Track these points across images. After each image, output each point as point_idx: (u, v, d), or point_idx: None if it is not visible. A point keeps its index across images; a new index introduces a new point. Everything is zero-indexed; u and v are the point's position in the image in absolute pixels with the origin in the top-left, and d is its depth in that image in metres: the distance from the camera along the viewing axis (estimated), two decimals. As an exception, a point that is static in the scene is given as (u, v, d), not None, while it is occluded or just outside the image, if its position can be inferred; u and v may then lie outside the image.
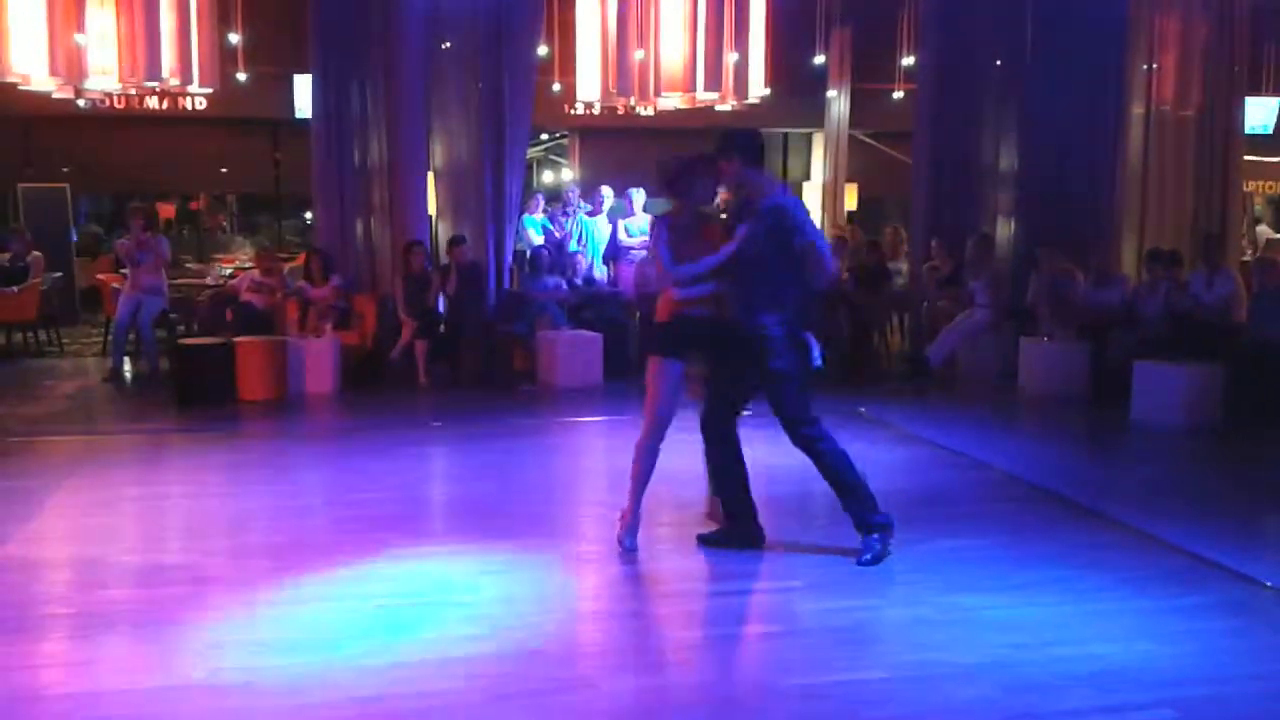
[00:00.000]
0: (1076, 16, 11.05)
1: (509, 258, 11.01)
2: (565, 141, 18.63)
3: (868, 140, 17.37)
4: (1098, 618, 4.57)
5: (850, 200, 16.63)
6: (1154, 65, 11.47)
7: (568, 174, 18.49)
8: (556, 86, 13.94)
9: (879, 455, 7.59)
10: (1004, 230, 11.68)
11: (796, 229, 5.11)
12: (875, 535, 5.25)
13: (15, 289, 11.71)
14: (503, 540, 5.55)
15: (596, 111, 13.90)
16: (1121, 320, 9.77)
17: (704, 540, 5.45)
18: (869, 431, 8.34)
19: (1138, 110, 11.50)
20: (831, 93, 16.21)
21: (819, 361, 5.27)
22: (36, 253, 12.03)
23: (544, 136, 19.16)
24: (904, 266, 12.45)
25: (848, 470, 5.31)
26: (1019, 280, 10.97)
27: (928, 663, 4.10)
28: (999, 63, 11.52)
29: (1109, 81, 11.07)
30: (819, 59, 14.96)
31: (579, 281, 11.20)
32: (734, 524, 5.44)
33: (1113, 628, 4.47)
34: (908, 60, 14.10)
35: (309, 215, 15.18)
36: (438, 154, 10.98)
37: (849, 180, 16.56)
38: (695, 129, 16.01)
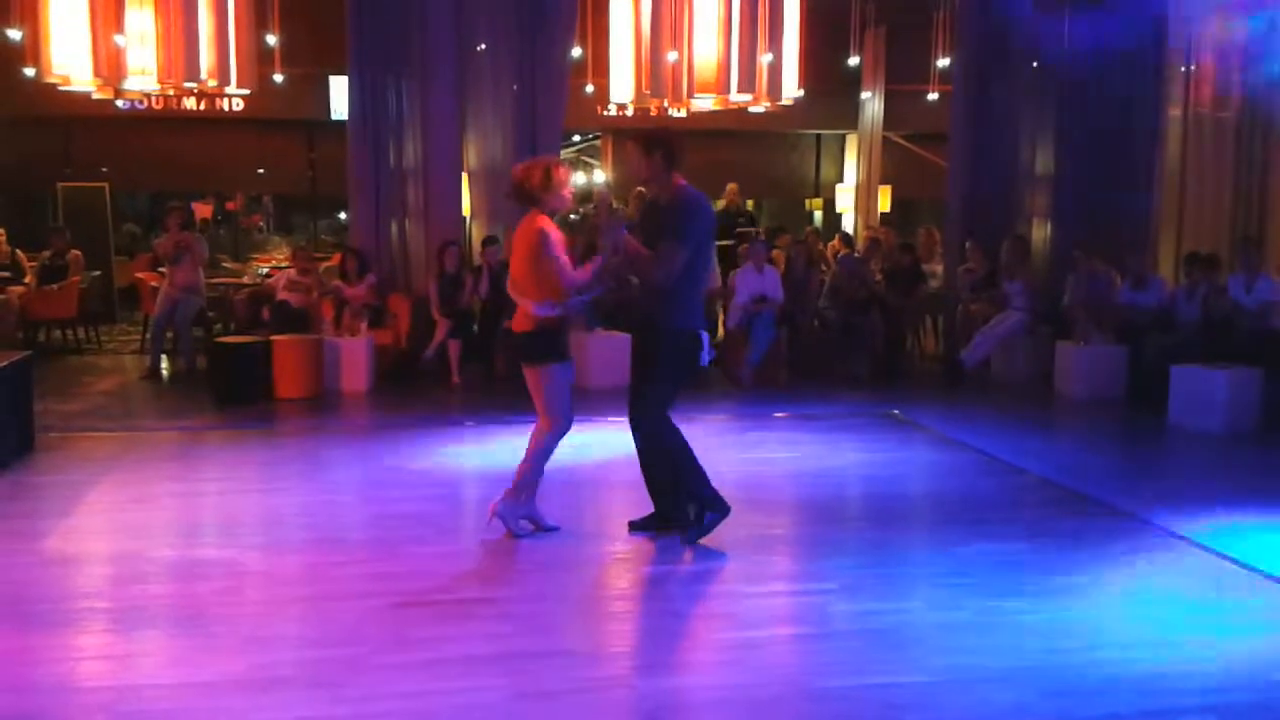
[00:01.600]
0: (1114, 17, 10.96)
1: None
2: (598, 143, 18.66)
3: (902, 142, 17.30)
4: (1138, 622, 4.53)
5: (884, 202, 16.58)
6: (1192, 67, 11.36)
7: (600, 175, 18.52)
8: (589, 88, 13.97)
9: (913, 458, 7.56)
10: (1040, 232, 11.61)
11: (666, 226, 5.26)
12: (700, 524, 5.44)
13: (56, 286, 11.87)
14: (534, 539, 5.56)
15: (629, 113, 13.90)
16: (1159, 323, 9.68)
17: (634, 526, 5.62)
18: (903, 434, 8.31)
19: (1175, 112, 11.39)
20: (865, 94, 16.17)
21: (706, 359, 5.47)
22: (76, 251, 12.18)
23: (576, 138, 19.19)
24: (938, 269, 12.38)
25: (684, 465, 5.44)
26: (1055, 283, 10.89)
27: (965, 666, 4.08)
28: (1035, 64, 11.45)
29: (1146, 82, 10.98)
30: (853, 60, 14.91)
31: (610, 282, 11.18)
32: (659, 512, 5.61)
33: (1153, 632, 4.42)
34: (942, 62, 14.04)
35: (344, 215, 15.28)
36: (472, 155, 11.02)
37: (883, 182, 16.53)
38: (728, 130, 16.14)
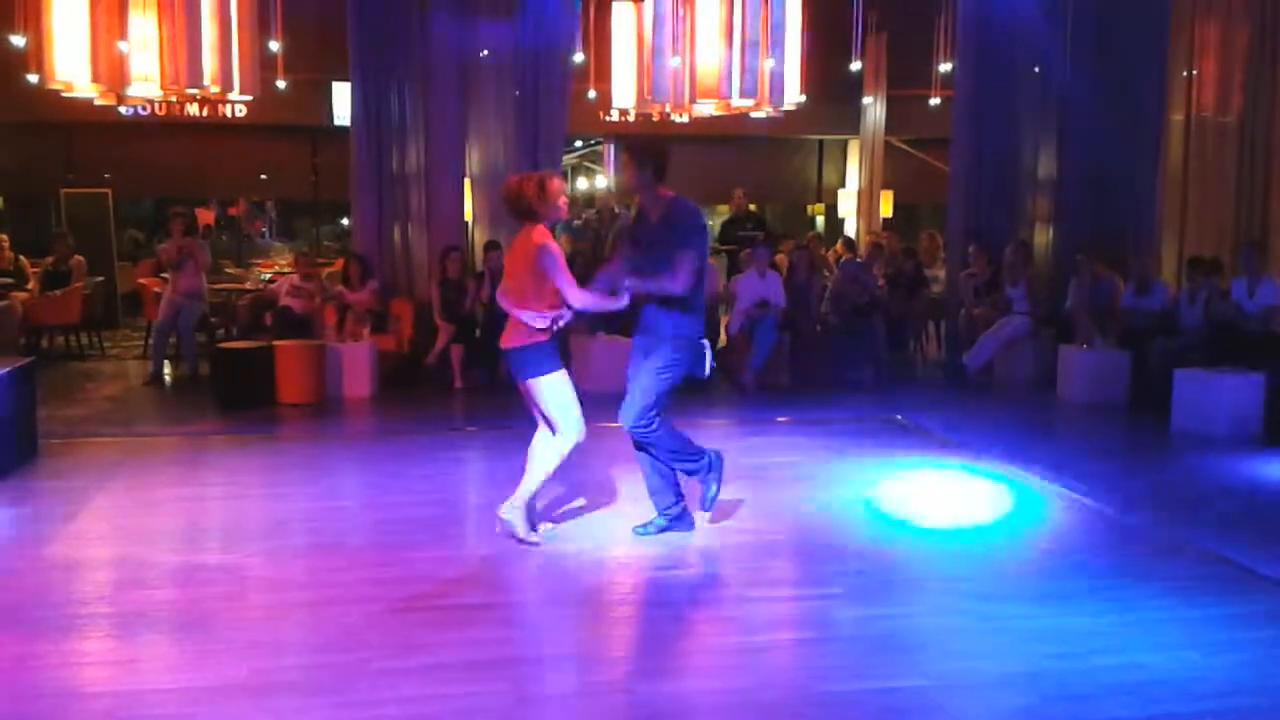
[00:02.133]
0: (1116, 22, 10.97)
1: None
2: (600, 148, 18.68)
3: (904, 147, 17.31)
4: (1141, 627, 4.52)
5: (886, 207, 16.60)
6: (1194, 71, 11.36)
7: (602, 181, 18.55)
8: (592, 93, 13.97)
9: (916, 462, 7.55)
10: (1042, 237, 11.60)
11: (674, 238, 5.33)
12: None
13: (58, 292, 11.88)
14: (537, 544, 5.55)
15: (631, 118, 13.89)
16: (1162, 327, 9.68)
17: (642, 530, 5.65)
18: (907, 439, 8.30)
19: (1177, 117, 11.40)
20: (867, 99, 16.18)
21: (707, 372, 5.53)
22: (79, 256, 12.19)
23: (578, 143, 19.21)
24: (940, 273, 12.38)
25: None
26: (1058, 287, 10.89)
27: (968, 671, 4.07)
28: (1037, 69, 11.45)
29: (1149, 87, 10.98)
30: (855, 65, 14.90)
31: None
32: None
33: (1156, 637, 4.42)
34: (944, 66, 14.03)
35: (346, 220, 15.32)
36: (474, 160, 11.04)
37: (885, 187, 16.55)
38: (730, 136, 16.14)
